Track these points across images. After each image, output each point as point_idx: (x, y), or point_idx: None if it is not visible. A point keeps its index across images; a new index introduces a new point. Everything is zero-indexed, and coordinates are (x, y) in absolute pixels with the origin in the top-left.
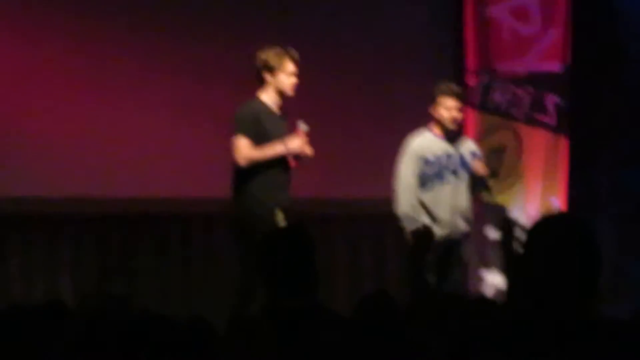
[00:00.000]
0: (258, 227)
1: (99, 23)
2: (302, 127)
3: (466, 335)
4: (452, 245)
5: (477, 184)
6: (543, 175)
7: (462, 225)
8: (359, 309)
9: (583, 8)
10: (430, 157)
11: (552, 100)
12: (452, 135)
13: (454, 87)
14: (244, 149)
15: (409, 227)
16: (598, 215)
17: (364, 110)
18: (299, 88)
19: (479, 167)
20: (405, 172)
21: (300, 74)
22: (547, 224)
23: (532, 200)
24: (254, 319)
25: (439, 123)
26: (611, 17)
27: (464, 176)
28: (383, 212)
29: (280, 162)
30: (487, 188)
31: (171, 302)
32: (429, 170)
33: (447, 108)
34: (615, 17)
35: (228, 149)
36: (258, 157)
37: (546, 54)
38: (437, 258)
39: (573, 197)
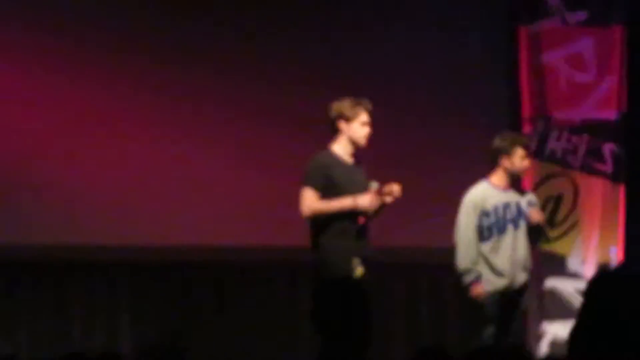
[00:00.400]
0: (333, 276)
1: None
2: (373, 185)
3: None
4: (512, 297)
5: (535, 233)
6: (600, 224)
7: (522, 276)
8: None
9: (638, 55)
10: (489, 209)
11: (608, 148)
12: (512, 186)
13: (524, 136)
14: (308, 200)
15: (469, 280)
16: None
17: (422, 159)
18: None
19: (537, 216)
20: (466, 224)
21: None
22: (606, 278)
23: (589, 250)
24: None
25: (503, 173)
26: None
27: (523, 226)
28: (443, 262)
29: (352, 215)
30: (544, 237)
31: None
32: (487, 222)
33: (521, 157)
34: None
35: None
36: (321, 209)
37: (602, 101)
38: (498, 310)
39: (630, 246)
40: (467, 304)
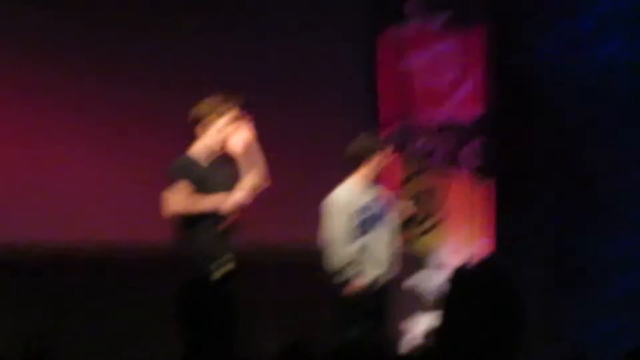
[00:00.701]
0: (198, 274)
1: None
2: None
3: None
4: (380, 294)
5: (402, 227)
6: (464, 220)
7: (388, 273)
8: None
9: (501, 55)
10: (357, 209)
11: (471, 147)
12: (374, 184)
13: (382, 140)
14: (175, 197)
15: (345, 277)
16: (524, 257)
17: (286, 160)
18: None
19: (402, 210)
20: (337, 225)
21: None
22: (469, 271)
23: (456, 245)
24: None
25: (365, 175)
26: (530, 63)
27: (387, 223)
28: (311, 258)
29: (218, 215)
30: (410, 233)
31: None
32: (356, 222)
33: (380, 161)
34: (536, 64)
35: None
36: (186, 208)
37: (463, 102)
38: (367, 307)
39: (498, 240)
40: (337, 301)
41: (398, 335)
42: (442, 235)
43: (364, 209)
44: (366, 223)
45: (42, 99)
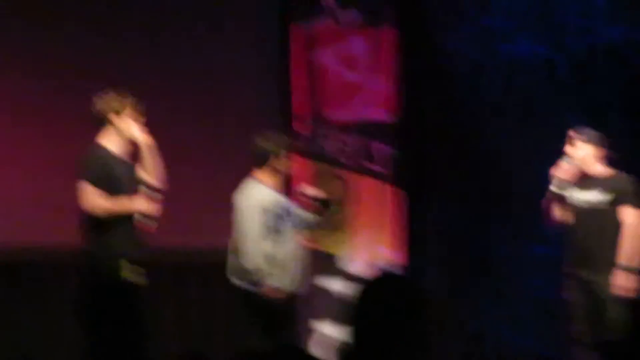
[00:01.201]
0: (104, 276)
1: None
2: (148, 192)
3: None
4: (292, 297)
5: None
6: (371, 223)
7: (301, 275)
8: None
9: (411, 57)
10: (269, 207)
11: (378, 148)
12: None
13: (287, 137)
14: (91, 196)
15: (261, 280)
16: (429, 262)
17: (195, 158)
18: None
19: (309, 210)
20: (252, 224)
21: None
22: (375, 283)
23: (361, 250)
24: None
25: (272, 174)
26: (440, 66)
27: (298, 224)
28: (212, 262)
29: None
30: (319, 233)
31: None
32: (271, 222)
33: (287, 158)
34: (445, 65)
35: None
36: (110, 210)
37: (372, 101)
38: (280, 308)
39: (403, 244)
40: (246, 303)
41: (307, 334)
42: (344, 240)
43: (276, 206)
44: (277, 221)
45: None
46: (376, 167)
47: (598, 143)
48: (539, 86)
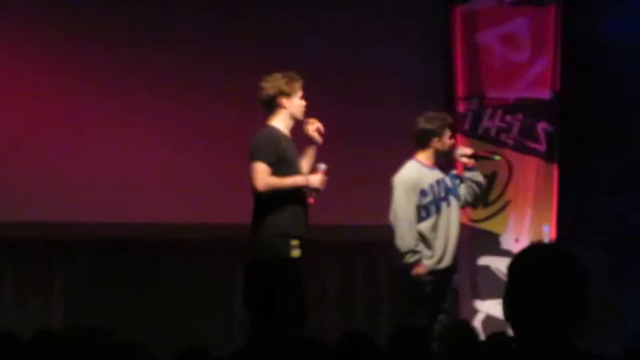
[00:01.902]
0: (272, 255)
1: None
2: (322, 167)
3: None
4: (446, 275)
5: (474, 195)
6: (533, 202)
7: (454, 254)
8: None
9: (572, 35)
10: (426, 187)
11: (541, 127)
12: (438, 164)
13: (449, 115)
14: (261, 175)
15: (412, 260)
16: (588, 243)
17: (359, 140)
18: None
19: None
20: (405, 205)
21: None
22: (533, 253)
23: (523, 228)
24: (241, 353)
25: (432, 153)
26: (600, 45)
27: (454, 203)
28: (375, 240)
29: (299, 194)
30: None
31: (168, 331)
32: (424, 201)
33: (449, 137)
34: (604, 44)
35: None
36: (275, 185)
37: (536, 81)
38: (434, 290)
39: (562, 224)
40: (403, 283)
41: (472, 314)
42: (507, 219)
43: (434, 186)
44: (432, 203)
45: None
46: (539, 146)
47: None
48: None
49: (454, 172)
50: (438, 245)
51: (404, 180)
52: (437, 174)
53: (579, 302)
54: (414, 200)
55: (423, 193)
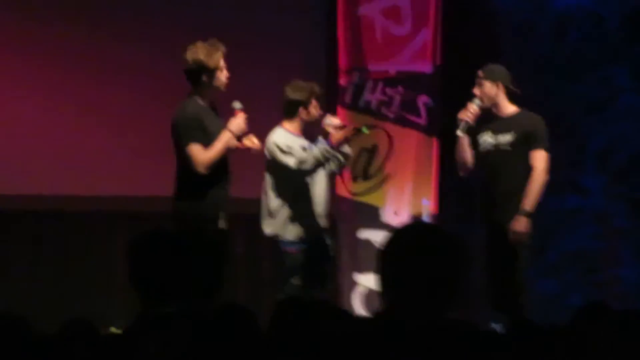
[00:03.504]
0: (199, 228)
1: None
2: (237, 105)
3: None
4: (318, 243)
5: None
6: (414, 176)
7: (325, 221)
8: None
9: (454, 7)
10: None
11: (422, 100)
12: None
13: (316, 85)
14: (199, 155)
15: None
16: (467, 218)
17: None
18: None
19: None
20: (289, 141)
21: None
22: (410, 232)
23: (402, 201)
24: (128, 329)
25: (299, 124)
26: (483, 16)
27: (321, 171)
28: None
29: (221, 163)
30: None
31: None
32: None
33: (316, 107)
34: (488, 16)
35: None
36: (214, 157)
37: (417, 54)
38: (305, 259)
39: (442, 198)
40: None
41: (352, 286)
42: (388, 192)
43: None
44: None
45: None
46: (420, 119)
47: (504, 80)
48: (590, 36)
49: (322, 140)
50: (304, 212)
51: (276, 141)
52: (303, 142)
53: (455, 280)
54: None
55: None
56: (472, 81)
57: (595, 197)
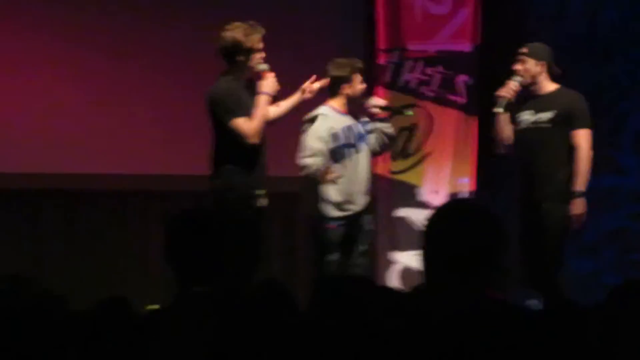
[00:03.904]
0: (237, 207)
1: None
2: (263, 66)
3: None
4: (355, 220)
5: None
6: (453, 154)
7: (364, 199)
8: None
9: None
10: (338, 132)
11: (462, 79)
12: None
13: (358, 60)
14: (246, 126)
15: (317, 170)
16: (506, 198)
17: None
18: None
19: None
20: (316, 143)
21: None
22: (451, 208)
23: (441, 181)
24: (167, 308)
25: (343, 100)
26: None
27: (364, 149)
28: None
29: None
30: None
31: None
32: (334, 145)
33: (360, 82)
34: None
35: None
36: (259, 124)
37: (456, 33)
38: (341, 237)
39: (480, 177)
40: (314, 231)
41: (386, 267)
42: (426, 171)
43: (344, 131)
44: (342, 147)
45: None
46: (459, 99)
47: (545, 57)
48: (622, 20)
49: (367, 119)
50: (344, 190)
51: (315, 124)
52: (348, 120)
53: (495, 257)
54: (326, 141)
55: (334, 137)
56: (510, 60)
57: (632, 176)
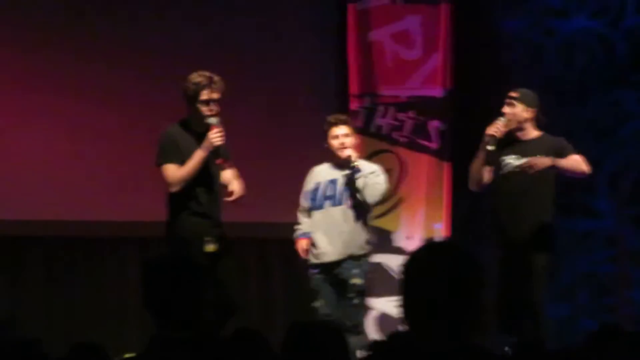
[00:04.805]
0: (185, 252)
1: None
2: (212, 120)
3: None
4: (332, 268)
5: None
6: (426, 200)
7: (343, 250)
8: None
9: (464, 32)
10: (315, 185)
11: (434, 124)
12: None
13: (338, 115)
14: (170, 174)
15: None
16: (480, 241)
17: (254, 133)
18: None
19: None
20: (302, 199)
21: None
22: (428, 251)
23: (415, 226)
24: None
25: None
26: (493, 42)
27: (347, 202)
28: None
29: (206, 184)
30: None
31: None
32: (313, 196)
33: (333, 137)
34: (498, 41)
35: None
36: (184, 172)
37: (428, 78)
38: (322, 282)
39: (455, 222)
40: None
41: (365, 311)
42: (400, 217)
43: (323, 184)
44: (317, 199)
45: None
46: (431, 144)
47: (535, 105)
48: (595, 64)
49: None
50: (317, 239)
51: (311, 171)
52: (335, 174)
53: (475, 299)
54: (308, 193)
55: (313, 189)
56: (485, 104)
57: (607, 220)
